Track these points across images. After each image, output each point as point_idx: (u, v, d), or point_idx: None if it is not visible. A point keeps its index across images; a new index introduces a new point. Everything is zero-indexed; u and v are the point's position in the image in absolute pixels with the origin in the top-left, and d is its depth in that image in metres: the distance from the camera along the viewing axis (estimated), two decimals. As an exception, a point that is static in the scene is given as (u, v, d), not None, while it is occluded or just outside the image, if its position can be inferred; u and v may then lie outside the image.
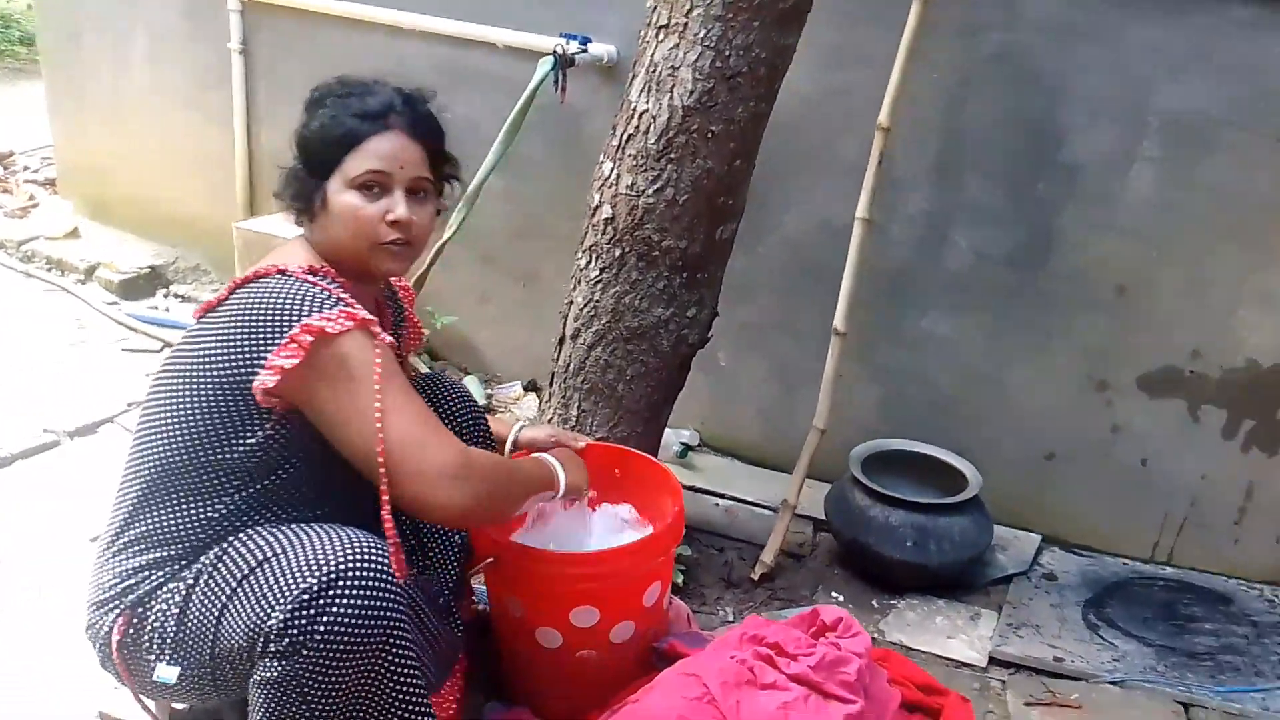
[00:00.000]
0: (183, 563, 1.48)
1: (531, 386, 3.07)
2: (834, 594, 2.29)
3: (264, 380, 1.39)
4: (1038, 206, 2.36)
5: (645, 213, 1.89)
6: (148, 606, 1.47)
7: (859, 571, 2.36)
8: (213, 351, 1.45)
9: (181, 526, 1.48)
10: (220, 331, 1.45)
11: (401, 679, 1.42)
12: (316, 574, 1.35)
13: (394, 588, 1.38)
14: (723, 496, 2.62)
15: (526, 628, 1.73)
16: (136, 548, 1.50)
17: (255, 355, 1.41)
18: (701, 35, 1.75)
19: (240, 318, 1.43)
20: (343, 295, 1.44)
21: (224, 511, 1.48)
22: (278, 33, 3.22)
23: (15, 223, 3.81)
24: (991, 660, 2.10)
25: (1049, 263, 2.38)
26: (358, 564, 1.36)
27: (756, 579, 2.30)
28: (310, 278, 1.46)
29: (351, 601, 1.34)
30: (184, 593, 1.44)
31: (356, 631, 1.34)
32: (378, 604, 1.36)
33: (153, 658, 1.45)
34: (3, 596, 2.05)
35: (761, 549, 2.35)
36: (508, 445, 1.89)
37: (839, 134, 2.46)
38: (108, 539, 1.54)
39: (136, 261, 3.51)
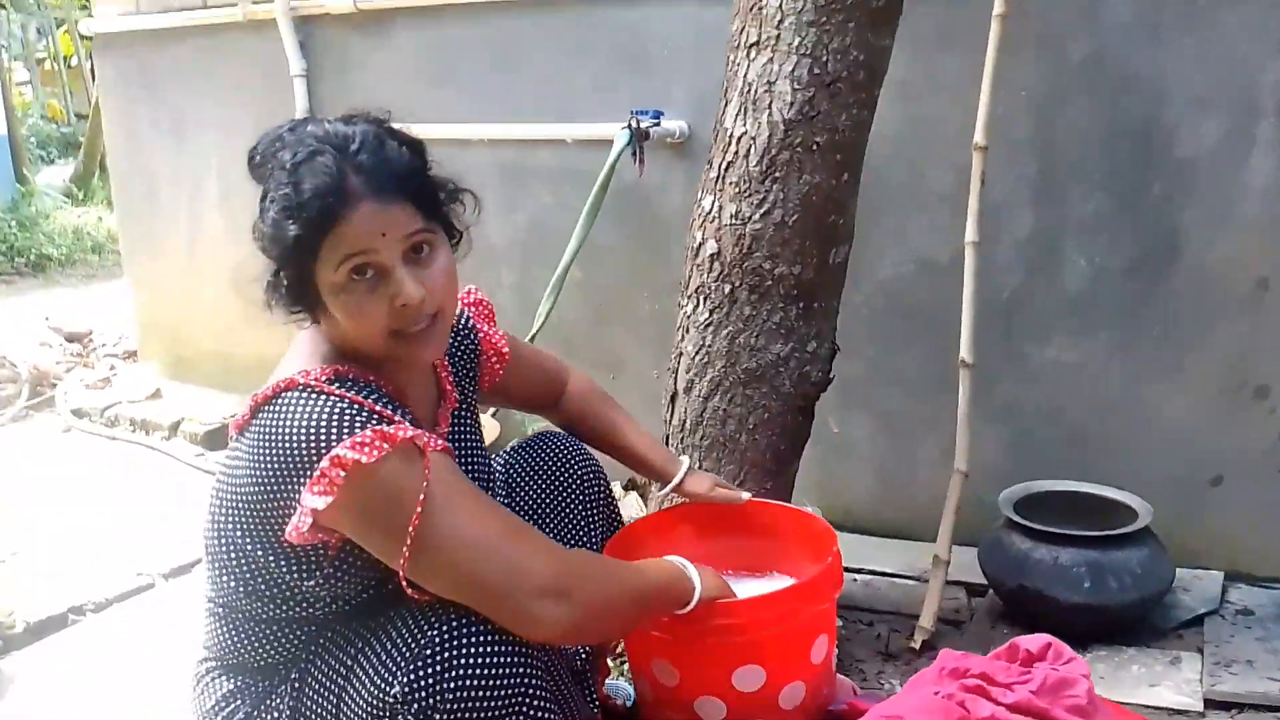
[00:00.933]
0: (284, 668, 1.34)
1: (631, 485, 2.90)
2: (1007, 652, 2.04)
3: (298, 524, 1.19)
4: (1154, 209, 2.22)
5: (753, 240, 1.79)
6: (260, 718, 1.32)
7: (1029, 626, 2.08)
8: (244, 490, 1.26)
9: (270, 651, 1.35)
10: (247, 466, 1.25)
11: None
12: (438, 628, 1.19)
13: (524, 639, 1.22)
14: (857, 571, 2.41)
15: (683, 699, 1.52)
16: (229, 664, 1.37)
17: (285, 496, 1.21)
18: (795, 44, 1.69)
19: (262, 452, 1.22)
20: (376, 406, 1.22)
21: (312, 631, 1.33)
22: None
23: (97, 393, 3.84)
24: (1208, 703, 1.83)
25: (1176, 266, 2.22)
26: (480, 617, 1.21)
27: (918, 647, 2.06)
28: (334, 388, 1.23)
29: (479, 654, 1.18)
30: (294, 692, 1.30)
31: (489, 686, 1.17)
32: (508, 655, 1.19)
33: None
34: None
35: (909, 618, 2.12)
36: (669, 486, 1.73)
37: (927, 166, 2.38)
38: (202, 661, 1.42)
39: (220, 413, 3.49)
